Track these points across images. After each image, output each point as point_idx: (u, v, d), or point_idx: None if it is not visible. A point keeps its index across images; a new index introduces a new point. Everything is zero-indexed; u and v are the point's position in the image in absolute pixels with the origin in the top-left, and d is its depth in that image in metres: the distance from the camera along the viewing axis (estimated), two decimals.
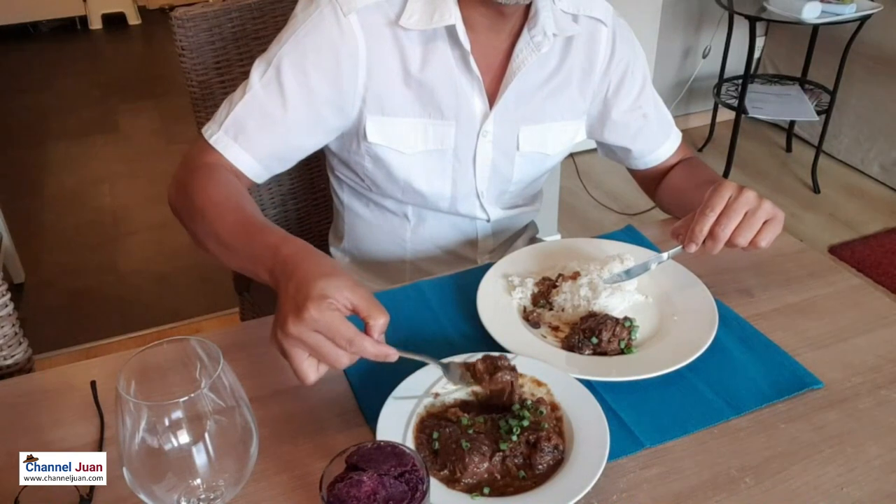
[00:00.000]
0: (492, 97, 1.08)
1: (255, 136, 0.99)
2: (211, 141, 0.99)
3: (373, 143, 1.06)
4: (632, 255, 1.02)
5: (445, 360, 0.83)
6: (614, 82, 1.16)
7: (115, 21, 5.06)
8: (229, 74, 1.29)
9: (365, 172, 1.12)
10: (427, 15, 0.98)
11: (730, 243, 0.93)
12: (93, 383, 0.86)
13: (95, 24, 5.02)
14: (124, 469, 0.60)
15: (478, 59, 1.04)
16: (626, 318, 0.93)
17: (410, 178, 1.11)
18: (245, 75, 1.02)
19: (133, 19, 5.11)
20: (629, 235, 1.14)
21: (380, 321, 0.74)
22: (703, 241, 0.93)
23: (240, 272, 0.92)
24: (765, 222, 0.93)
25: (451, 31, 1.01)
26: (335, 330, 0.71)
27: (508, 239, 1.31)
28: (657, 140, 1.23)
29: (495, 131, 1.10)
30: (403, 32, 1.00)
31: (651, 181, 1.29)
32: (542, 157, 1.18)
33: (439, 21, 0.98)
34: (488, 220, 1.22)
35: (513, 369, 0.81)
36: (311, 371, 0.74)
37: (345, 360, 0.73)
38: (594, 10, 1.10)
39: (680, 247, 0.96)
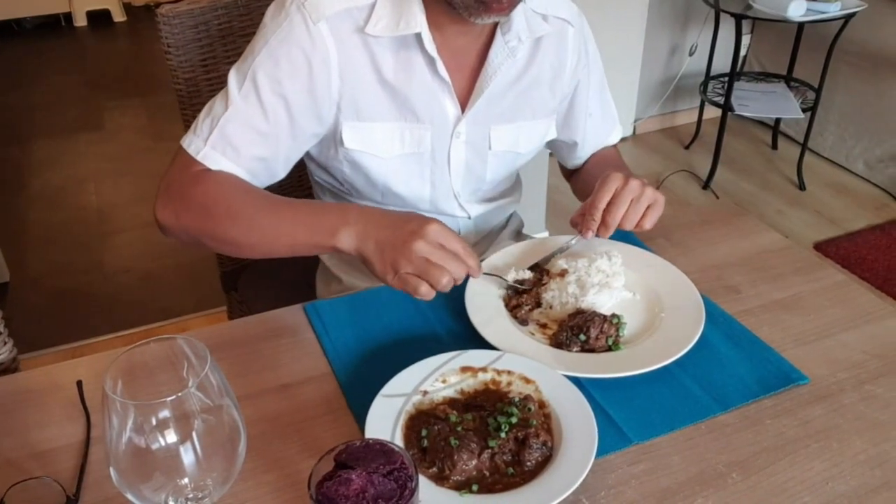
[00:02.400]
0: (464, 98, 1.09)
1: (243, 150, 0.99)
2: (199, 157, 0.99)
3: (350, 148, 1.06)
4: (619, 251, 1.03)
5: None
6: (583, 80, 1.20)
7: (100, 18, 5.02)
8: (216, 72, 1.28)
9: (344, 177, 1.12)
10: (393, 22, 0.98)
11: (619, 227, 1.02)
12: (79, 383, 0.86)
13: (80, 21, 4.97)
14: (111, 469, 0.60)
15: (448, 61, 1.04)
16: (613, 315, 0.93)
17: (389, 182, 1.11)
18: None
19: (118, 16, 5.06)
20: (616, 233, 1.14)
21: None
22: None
23: (277, 254, 0.95)
24: (648, 207, 1.01)
25: (418, 38, 1.01)
26: (455, 239, 0.85)
27: (491, 232, 1.32)
28: (604, 135, 1.28)
29: (468, 132, 1.11)
30: (374, 39, 1.00)
31: (573, 171, 1.34)
32: (514, 155, 1.19)
33: (405, 28, 0.98)
34: (469, 218, 1.22)
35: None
36: (430, 288, 0.83)
37: (460, 271, 0.84)
38: (560, 10, 1.12)
39: (579, 235, 1.05)
